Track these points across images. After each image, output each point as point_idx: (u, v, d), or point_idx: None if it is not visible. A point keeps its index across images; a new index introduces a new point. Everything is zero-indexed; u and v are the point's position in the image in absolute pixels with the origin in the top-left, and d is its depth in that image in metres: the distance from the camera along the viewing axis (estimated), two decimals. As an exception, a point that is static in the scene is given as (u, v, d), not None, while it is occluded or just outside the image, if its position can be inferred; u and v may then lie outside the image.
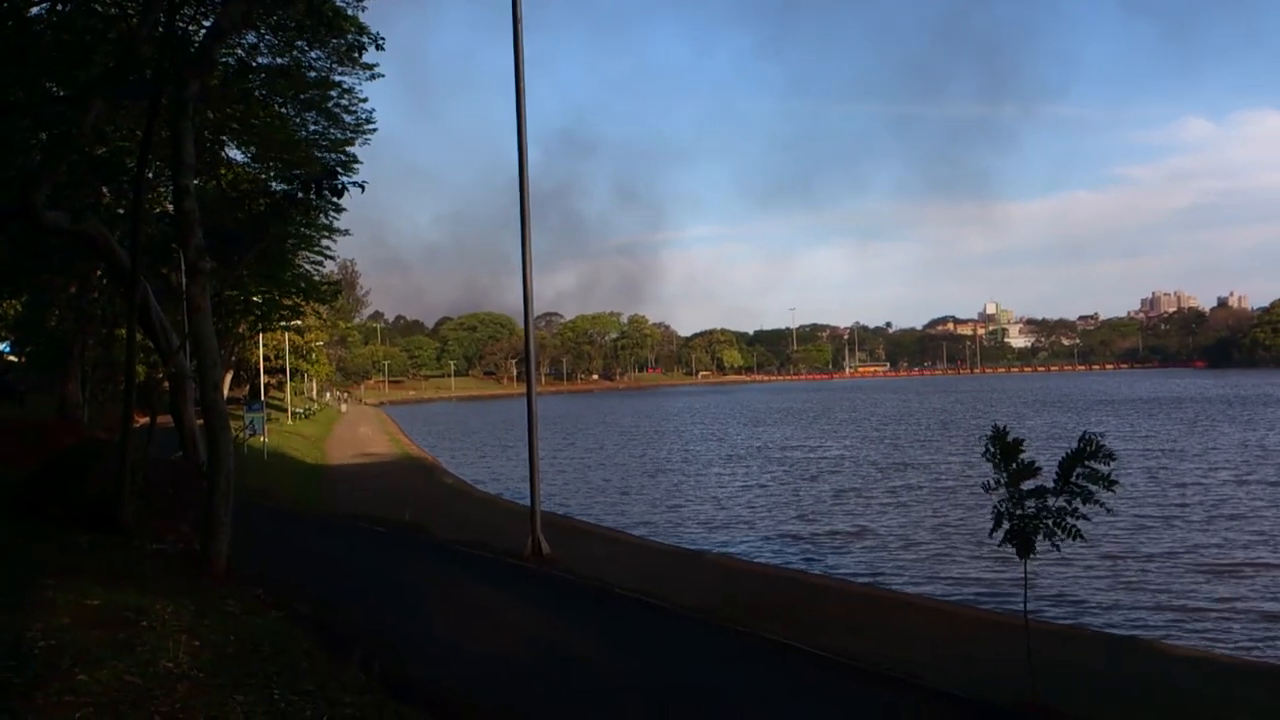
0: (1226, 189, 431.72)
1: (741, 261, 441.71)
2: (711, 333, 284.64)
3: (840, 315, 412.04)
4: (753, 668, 12.18)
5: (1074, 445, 10.57)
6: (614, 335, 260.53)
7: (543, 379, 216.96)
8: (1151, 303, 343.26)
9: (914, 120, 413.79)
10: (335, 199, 27.86)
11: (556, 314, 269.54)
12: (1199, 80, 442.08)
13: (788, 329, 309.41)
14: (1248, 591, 19.75)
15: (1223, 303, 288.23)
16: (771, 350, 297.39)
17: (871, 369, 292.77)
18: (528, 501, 21.00)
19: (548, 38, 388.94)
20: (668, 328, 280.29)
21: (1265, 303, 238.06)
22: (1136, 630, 17.35)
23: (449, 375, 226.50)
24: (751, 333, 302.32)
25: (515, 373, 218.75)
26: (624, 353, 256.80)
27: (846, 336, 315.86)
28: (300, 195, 22.11)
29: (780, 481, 41.53)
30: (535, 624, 13.69)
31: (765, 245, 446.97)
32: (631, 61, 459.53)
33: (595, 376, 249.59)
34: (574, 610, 15.02)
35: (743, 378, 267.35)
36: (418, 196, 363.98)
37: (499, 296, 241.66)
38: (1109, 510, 10.82)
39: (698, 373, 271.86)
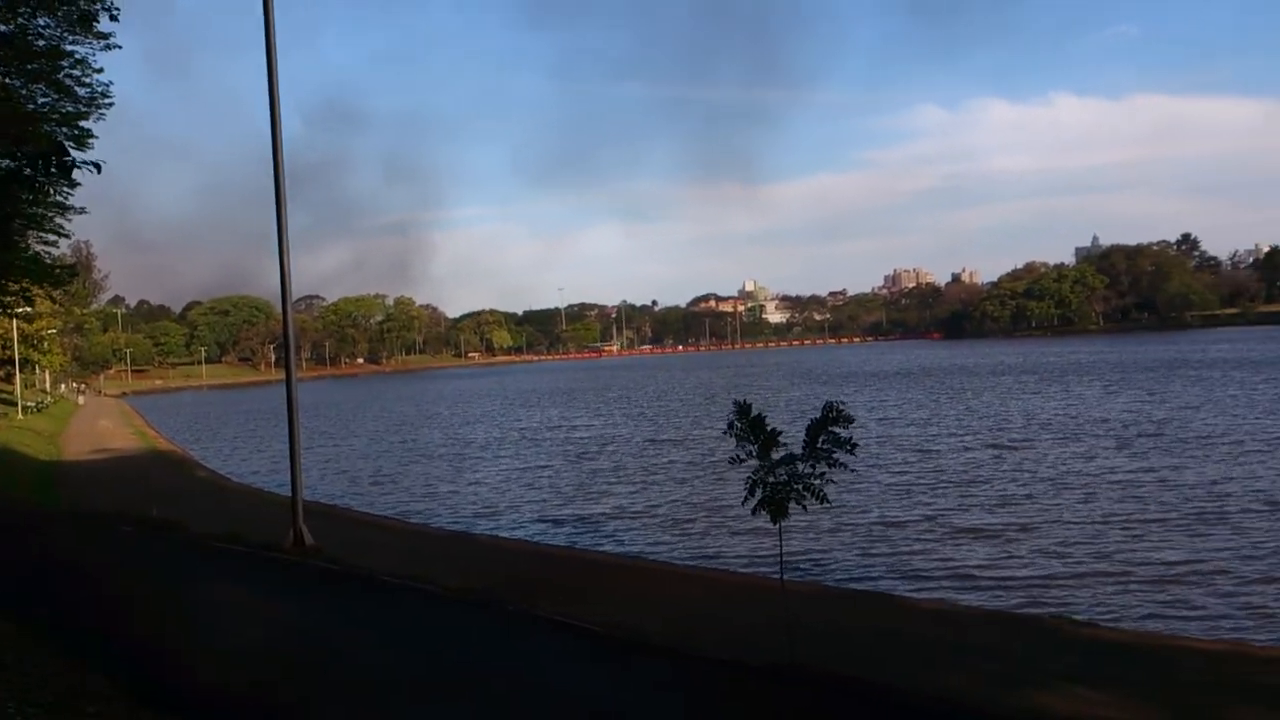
0: (960, 172, 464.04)
1: (513, 241, 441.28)
2: (480, 314, 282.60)
3: (608, 294, 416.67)
4: (521, 645, 12.23)
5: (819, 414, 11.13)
6: (379, 318, 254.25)
7: (303, 364, 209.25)
8: (894, 279, 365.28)
9: (682, 103, 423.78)
10: (64, 178, 25.86)
11: (318, 297, 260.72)
12: (938, 69, 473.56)
13: (557, 309, 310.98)
14: (989, 549, 21.29)
15: (956, 278, 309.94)
16: (541, 330, 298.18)
17: (639, 348, 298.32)
18: (289, 492, 20.26)
19: (309, 2, 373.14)
20: (435, 309, 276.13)
21: (993, 278, 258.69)
22: (885, 587, 18.47)
23: (199, 362, 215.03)
24: (521, 313, 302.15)
25: (273, 358, 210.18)
26: (390, 335, 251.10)
27: (614, 315, 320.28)
28: (27, 173, 20.41)
29: (549, 462, 41.74)
30: (295, 617, 13.26)
31: (537, 225, 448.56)
32: (400, 31, 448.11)
33: (360, 360, 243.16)
34: (337, 600, 14.63)
35: (512, 358, 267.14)
36: (166, 172, 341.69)
37: (258, 279, 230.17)
38: (851, 470, 11.44)
39: (467, 354, 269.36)
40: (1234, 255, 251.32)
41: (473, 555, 21.81)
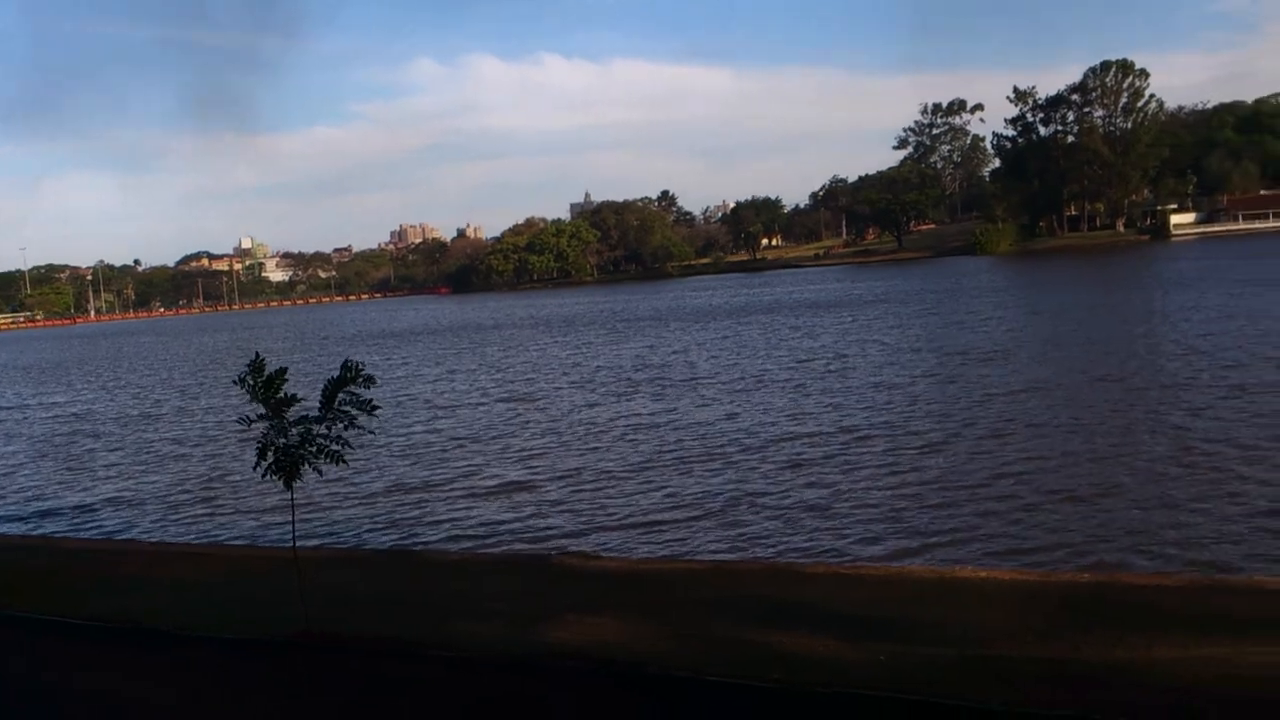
0: (462, 128, 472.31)
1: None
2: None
3: (84, 254, 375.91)
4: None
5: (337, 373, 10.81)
6: None
7: None
8: (400, 234, 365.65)
9: (174, 45, 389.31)
10: None
11: None
12: (433, 23, 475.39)
13: (19, 271, 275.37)
14: (506, 501, 21.98)
15: (461, 233, 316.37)
16: (1, 296, 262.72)
17: (122, 313, 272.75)
18: None
19: None
20: None
21: (497, 233, 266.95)
22: (406, 545, 18.48)
23: None
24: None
25: None
26: None
27: (90, 277, 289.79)
28: None
29: (12, 447, 37.10)
30: None
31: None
32: None
33: None
34: None
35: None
36: None
37: None
38: (370, 432, 11.26)
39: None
40: (706, 211, 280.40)
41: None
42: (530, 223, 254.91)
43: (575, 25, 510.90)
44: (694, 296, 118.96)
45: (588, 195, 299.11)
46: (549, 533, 18.56)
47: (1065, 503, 17.64)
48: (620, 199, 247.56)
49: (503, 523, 19.67)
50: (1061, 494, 18.16)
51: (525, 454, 26.66)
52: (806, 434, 25.84)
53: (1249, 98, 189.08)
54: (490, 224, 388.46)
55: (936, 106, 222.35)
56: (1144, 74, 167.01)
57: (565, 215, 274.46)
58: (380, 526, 20.17)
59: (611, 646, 9.86)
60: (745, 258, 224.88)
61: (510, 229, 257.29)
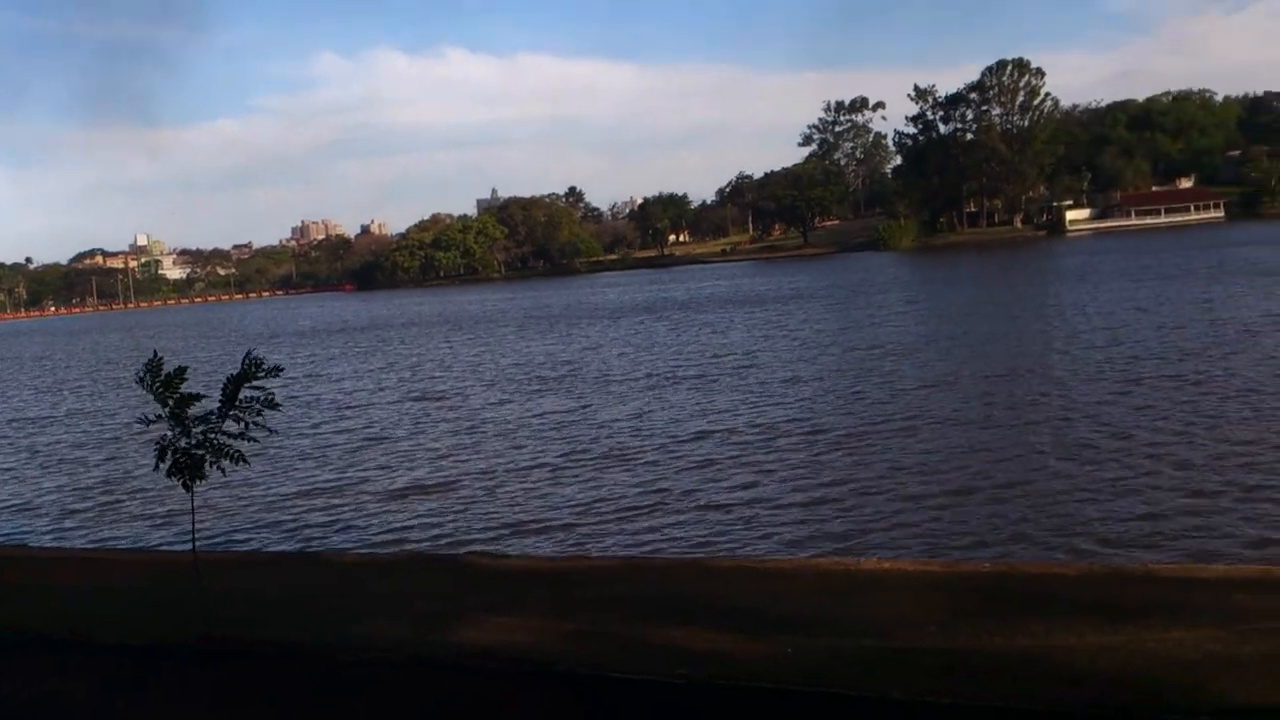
0: (366, 123, 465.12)
1: None
2: None
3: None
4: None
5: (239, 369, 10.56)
6: None
7: None
8: (302, 231, 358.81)
9: (68, 37, 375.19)
10: None
11: None
12: (334, 16, 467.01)
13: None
14: (417, 500, 21.78)
15: (366, 230, 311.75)
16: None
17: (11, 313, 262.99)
18: None
19: None
20: None
21: (402, 229, 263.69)
22: (314, 548, 18.16)
23: None
24: None
25: None
26: None
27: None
28: None
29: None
30: None
31: None
32: None
33: None
34: None
35: None
36: None
37: None
38: (274, 431, 11.03)
39: None
40: (614, 207, 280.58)
41: None
42: (436, 219, 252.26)
43: (479, 19, 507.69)
44: (603, 293, 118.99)
45: (495, 191, 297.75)
46: (459, 533, 18.39)
47: (972, 495, 18.05)
48: (528, 195, 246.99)
49: (413, 523, 19.43)
50: (969, 487, 18.56)
51: (436, 454, 26.35)
52: (719, 431, 26.04)
53: (1141, 96, 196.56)
54: (396, 220, 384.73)
55: (839, 104, 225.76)
56: (1040, 73, 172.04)
57: (472, 211, 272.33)
58: (288, 529, 19.77)
59: (519, 646, 9.82)
60: (653, 254, 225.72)
61: (416, 225, 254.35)
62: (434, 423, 31.78)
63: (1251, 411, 22.77)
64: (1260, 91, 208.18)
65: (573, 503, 19.92)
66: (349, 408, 37.08)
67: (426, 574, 14.09)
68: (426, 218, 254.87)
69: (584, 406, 32.18)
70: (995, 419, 24.67)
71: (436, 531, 18.68)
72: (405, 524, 19.43)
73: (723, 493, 19.66)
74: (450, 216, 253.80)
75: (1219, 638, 8.72)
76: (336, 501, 21.85)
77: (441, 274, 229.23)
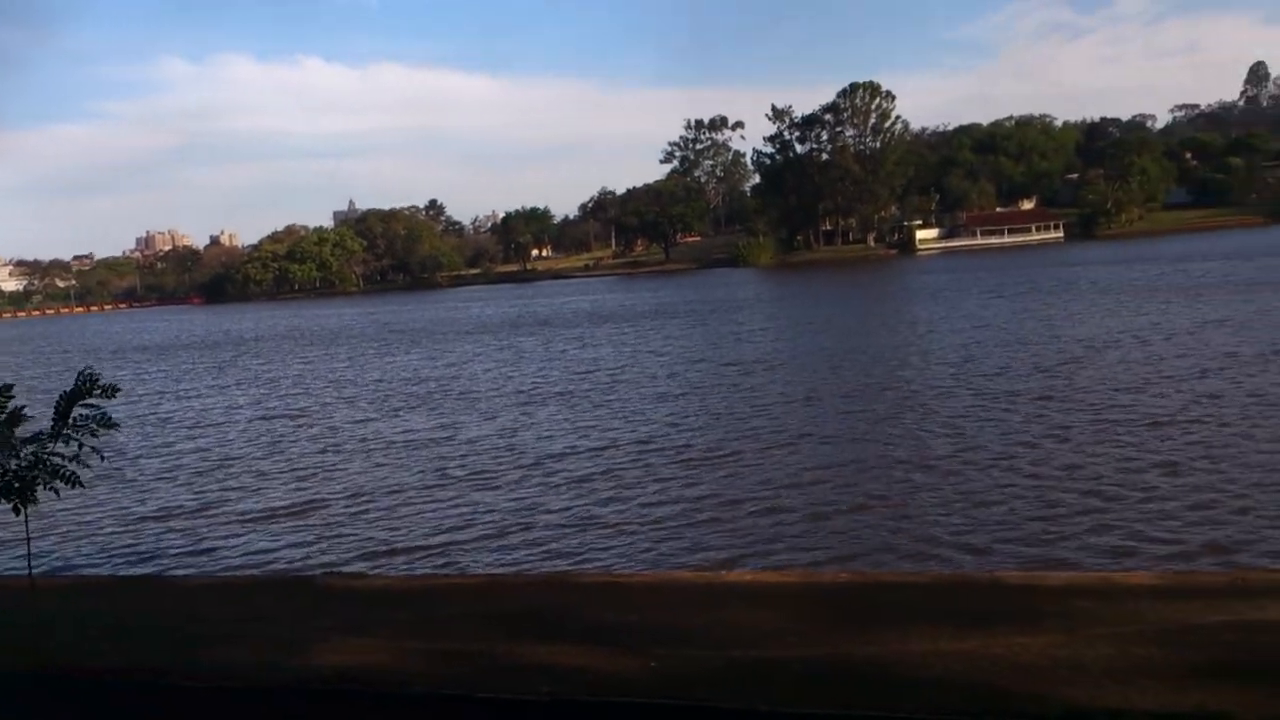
0: (214, 130, 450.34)
1: None
2: None
3: None
4: None
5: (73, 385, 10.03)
6: None
7: None
8: (147, 241, 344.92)
9: None
10: None
11: None
12: (179, 19, 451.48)
13: None
14: (273, 523, 21.04)
15: (216, 240, 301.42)
16: None
17: None
18: None
19: None
20: None
21: (255, 241, 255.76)
22: (156, 571, 17.36)
23: None
24: None
25: None
26: None
27: None
28: None
29: None
30: None
31: None
32: None
33: None
34: None
35: None
36: None
37: None
38: (104, 457, 10.49)
39: None
40: (476, 220, 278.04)
41: None
42: (291, 230, 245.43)
43: (333, 27, 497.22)
44: (466, 308, 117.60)
45: (352, 203, 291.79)
46: (320, 555, 17.80)
47: (838, 507, 18.39)
48: (387, 207, 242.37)
49: (270, 546, 18.74)
50: (835, 500, 18.90)
51: (296, 474, 25.45)
52: (588, 448, 25.91)
53: (985, 120, 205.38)
54: (247, 232, 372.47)
55: (699, 122, 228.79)
56: (890, 96, 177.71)
57: (329, 223, 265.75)
58: (138, 553, 18.84)
59: (377, 668, 9.56)
60: (516, 268, 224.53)
61: (269, 236, 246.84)
62: (293, 441, 30.69)
63: (1097, 424, 23.89)
64: (1097, 117, 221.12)
65: (440, 523, 19.49)
66: (203, 426, 35.58)
67: (278, 597, 13.59)
68: (280, 229, 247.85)
69: (451, 425, 31.58)
70: (858, 432, 25.23)
71: (296, 555, 18.03)
72: (263, 547, 18.70)
73: (592, 510, 19.55)
74: (306, 228, 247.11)
75: (1063, 643, 9.07)
76: (190, 524, 20.93)
77: (297, 287, 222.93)
